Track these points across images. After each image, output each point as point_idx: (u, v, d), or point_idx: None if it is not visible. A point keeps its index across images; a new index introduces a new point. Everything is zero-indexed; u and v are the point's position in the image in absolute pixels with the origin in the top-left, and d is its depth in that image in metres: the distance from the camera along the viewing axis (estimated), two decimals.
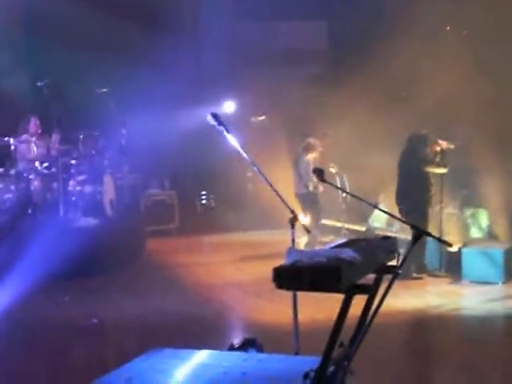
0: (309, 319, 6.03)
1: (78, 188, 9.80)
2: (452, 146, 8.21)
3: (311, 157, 10.00)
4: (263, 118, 14.09)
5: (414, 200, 7.96)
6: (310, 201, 9.76)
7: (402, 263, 3.17)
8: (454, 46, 9.98)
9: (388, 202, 9.69)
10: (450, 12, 10.46)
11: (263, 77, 12.23)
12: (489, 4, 9.61)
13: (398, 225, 9.84)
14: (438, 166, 8.15)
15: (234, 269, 9.16)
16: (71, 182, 9.75)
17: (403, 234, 8.23)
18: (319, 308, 6.23)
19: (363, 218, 11.08)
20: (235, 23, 13.12)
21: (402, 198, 8.17)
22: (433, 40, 10.61)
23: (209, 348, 3.56)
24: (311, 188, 9.97)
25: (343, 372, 2.98)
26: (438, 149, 8.16)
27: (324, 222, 11.47)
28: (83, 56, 11.37)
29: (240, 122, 13.53)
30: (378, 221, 10.78)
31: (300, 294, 5.75)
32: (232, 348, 3.67)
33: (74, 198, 9.72)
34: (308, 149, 10.02)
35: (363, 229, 10.81)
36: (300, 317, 4.01)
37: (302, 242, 9.76)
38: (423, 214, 7.91)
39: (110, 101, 10.51)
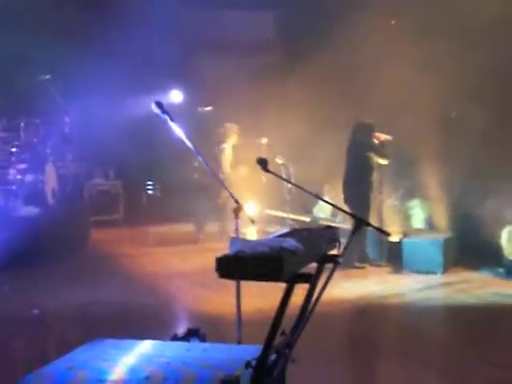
0: (254, 309, 6.07)
1: (18, 176, 9.59)
2: (390, 138, 8.35)
3: (226, 145, 10.51)
4: (210, 108, 14.04)
5: (358, 187, 8.13)
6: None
7: (342, 252, 3.23)
8: (402, 37, 10.17)
9: (333, 192, 9.83)
10: (397, 2, 10.66)
11: (211, 66, 12.18)
12: None
13: (341, 215, 9.99)
14: (382, 156, 8.31)
15: (180, 259, 9.13)
16: (12, 171, 9.54)
17: (347, 224, 8.37)
18: (265, 297, 6.28)
19: (308, 209, 11.21)
20: (184, 11, 13.00)
21: (347, 185, 8.35)
22: (380, 31, 10.78)
23: (152, 338, 3.54)
24: (221, 175, 10.31)
25: (284, 360, 3.02)
26: (376, 141, 8.31)
27: (269, 212, 11.57)
28: (26, 41, 11.05)
29: (187, 112, 13.46)
30: (323, 211, 10.92)
31: (246, 283, 5.78)
32: (175, 338, 3.67)
33: (14, 187, 9.51)
34: (224, 136, 10.50)
35: (308, 219, 10.93)
36: (245, 307, 4.03)
37: (249, 232, 9.86)
38: (366, 201, 8.07)
39: (54, 88, 10.27)
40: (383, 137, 8.35)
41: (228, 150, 10.87)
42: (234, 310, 4.24)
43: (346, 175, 8.42)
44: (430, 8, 9.91)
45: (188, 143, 3.68)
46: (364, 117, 8.65)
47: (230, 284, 4.27)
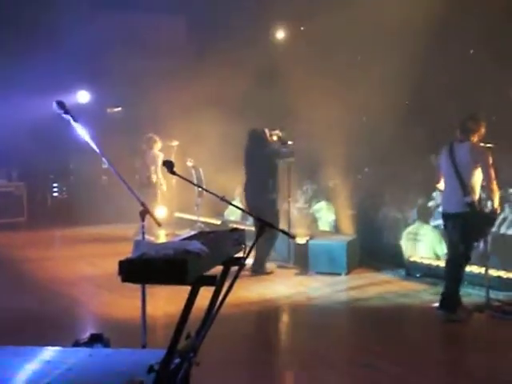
0: (161, 312, 6.04)
1: None
2: (280, 134, 8.25)
3: (156, 151, 10.46)
4: (119, 109, 13.84)
5: (268, 196, 7.92)
6: (152, 193, 10.07)
7: (248, 254, 3.27)
8: (312, 45, 10.42)
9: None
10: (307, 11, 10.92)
11: (120, 68, 11.99)
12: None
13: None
14: (285, 156, 8.22)
15: (87, 263, 8.90)
16: None
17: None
18: (172, 301, 6.25)
19: (219, 212, 11.25)
20: (93, 12, 12.76)
21: (256, 194, 8.01)
22: (291, 37, 11.01)
23: (54, 345, 3.44)
24: (154, 180, 10.32)
25: (188, 364, 3.01)
26: (275, 138, 8.22)
27: (179, 215, 11.51)
28: None
29: (95, 112, 13.18)
30: (233, 214, 11.00)
31: (154, 287, 5.72)
32: (77, 344, 3.58)
33: None
34: (151, 143, 10.49)
35: (219, 222, 10.96)
36: (152, 310, 3.99)
37: (161, 234, 9.86)
38: (277, 208, 7.99)
39: None
40: (278, 133, 8.20)
41: (158, 155, 10.70)
42: (140, 314, 4.19)
43: (253, 184, 8.10)
44: (337, 17, 10.19)
45: (92, 144, 3.60)
46: (257, 124, 8.41)
47: (138, 288, 4.22)
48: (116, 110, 13.78)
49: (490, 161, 5.94)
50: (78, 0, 11.50)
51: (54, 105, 3.51)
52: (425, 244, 7.77)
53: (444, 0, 9.02)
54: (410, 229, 8.05)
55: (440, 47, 9.75)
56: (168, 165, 3.46)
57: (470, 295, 6.56)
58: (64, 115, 3.52)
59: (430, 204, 8.56)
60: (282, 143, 8.25)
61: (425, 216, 8.11)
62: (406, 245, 7.96)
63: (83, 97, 13.46)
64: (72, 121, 3.54)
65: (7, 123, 11.17)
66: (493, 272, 6.58)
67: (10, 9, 11.64)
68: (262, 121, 9.22)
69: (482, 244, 6.36)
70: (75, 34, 11.37)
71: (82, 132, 3.58)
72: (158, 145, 10.73)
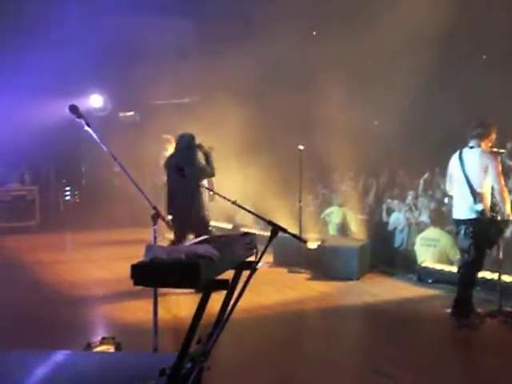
0: (172, 316, 6.04)
1: None
2: (212, 147, 7.68)
3: (167, 153, 10.51)
4: (132, 113, 13.91)
5: (204, 210, 7.35)
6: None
7: (259, 259, 3.26)
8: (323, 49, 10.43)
9: (256, 199, 9.91)
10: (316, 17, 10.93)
11: (132, 72, 12.05)
12: None
13: (263, 222, 10.04)
14: (208, 176, 7.55)
15: (98, 267, 8.94)
16: None
17: (268, 231, 8.40)
18: (183, 305, 6.27)
19: (232, 216, 11.24)
20: (103, 16, 12.83)
21: (194, 209, 7.24)
22: (303, 42, 11.02)
23: (66, 349, 3.45)
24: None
25: (200, 368, 3.00)
26: (203, 151, 7.47)
27: None
28: None
29: (108, 116, 13.28)
30: (245, 218, 10.98)
31: (166, 291, 5.73)
32: (89, 347, 3.59)
33: None
34: (166, 144, 10.57)
35: (230, 226, 10.96)
36: (163, 314, 3.98)
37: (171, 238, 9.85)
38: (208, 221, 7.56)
39: None
40: (206, 148, 7.51)
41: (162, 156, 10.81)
42: (151, 317, 4.19)
43: (189, 200, 7.13)
44: (349, 22, 10.20)
45: (104, 148, 3.62)
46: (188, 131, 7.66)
47: (149, 292, 4.23)
48: (129, 114, 13.85)
49: (500, 168, 5.87)
50: (89, 2, 11.58)
51: (68, 109, 3.54)
52: (438, 249, 7.73)
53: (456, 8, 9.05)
54: (423, 234, 8.00)
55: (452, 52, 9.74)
56: (179, 170, 3.47)
57: (483, 301, 6.50)
58: (77, 119, 3.54)
59: (443, 209, 8.52)
60: (205, 159, 7.38)
61: (438, 221, 8.08)
62: (419, 250, 7.91)
63: (96, 101, 13.53)
64: (85, 125, 3.56)
65: (20, 127, 11.25)
66: (506, 278, 6.53)
67: (23, 13, 11.73)
68: (276, 127, 9.25)
69: (494, 250, 6.30)
70: (88, 38, 11.45)
71: (94, 136, 3.60)
72: (172, 146, 10.81)
